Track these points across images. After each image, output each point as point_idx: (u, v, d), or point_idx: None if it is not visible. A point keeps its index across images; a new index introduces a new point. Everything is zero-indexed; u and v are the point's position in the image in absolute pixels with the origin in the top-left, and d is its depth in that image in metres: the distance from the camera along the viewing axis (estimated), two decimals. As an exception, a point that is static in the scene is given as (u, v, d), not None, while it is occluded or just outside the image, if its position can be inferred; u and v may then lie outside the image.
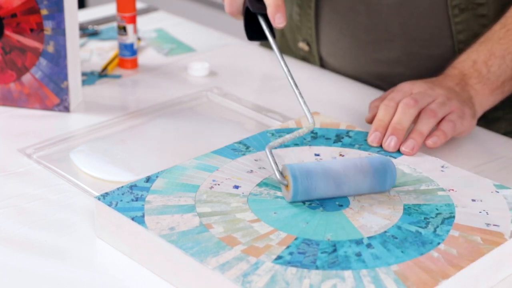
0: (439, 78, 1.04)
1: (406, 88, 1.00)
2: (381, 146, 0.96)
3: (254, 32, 1.02)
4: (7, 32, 1.09)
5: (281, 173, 0.84)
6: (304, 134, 0.92)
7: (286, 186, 0.84)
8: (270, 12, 0.97)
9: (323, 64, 1.29)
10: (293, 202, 0.84)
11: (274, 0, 0.97)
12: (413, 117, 0.96)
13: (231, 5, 1.02)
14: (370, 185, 0.84)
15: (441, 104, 0.97)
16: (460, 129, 0.99)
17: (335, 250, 0.76)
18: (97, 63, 1.27)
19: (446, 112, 0.98)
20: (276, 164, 0.85)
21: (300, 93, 0.93)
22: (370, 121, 1.00)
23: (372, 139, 0.96)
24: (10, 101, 1.12)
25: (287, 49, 1.34)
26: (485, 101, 1.04)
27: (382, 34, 1.18)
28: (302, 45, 1.29)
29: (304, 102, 0.92)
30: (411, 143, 0.94)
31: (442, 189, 0.87)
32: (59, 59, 1.09)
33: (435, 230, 0.79)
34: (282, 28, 1.00)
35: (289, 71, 0.94)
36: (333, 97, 1.17)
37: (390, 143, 0.95)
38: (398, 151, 0.95)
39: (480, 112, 1.04)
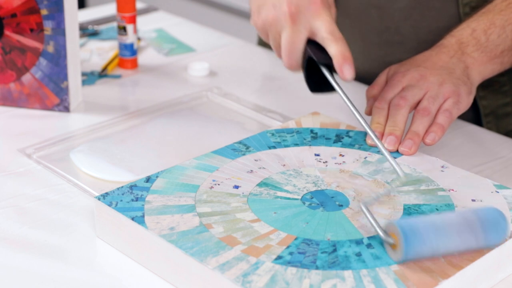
0: (433, 53, 1.03)
1: (396, 82, 1.00)
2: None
3: (317, 84, 0.96)
4: (7, 32, 1.09)
5: (385, 231, 0.77)
6: (398, 187, 0.86)
7: (393, 245, 0.75)
8: (337, 63, 0.92)
9: None
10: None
11: (341, 51, 0.92)
12: (406, 115, 0.96)
13: (290, 58, 0.95)
14: (479, 241, 0.76)
15: (433, 97, 0.97)
16: (457, 113, 0.98)
17: (335, 250, 0.76)
18: (97, 63, 1.27)
19: (440, 103, 0.97)
20: (376, 221, 0.78)
21: (385, 148, 0.88)
22: (369, 113, 1.01)
23: (372, 139, 0.96)
24: (10, 101, 1.12)
25: None
26: (483, 69, 1.03)
27: (394, 37, 1.18)
28: None
29: (389, 154, 0.87)
30: (408, 143, 0.94)
31: (442, 189, 0.87)
32: (59, 59, 1.09)
33: (435, 230, 0.79)
34: (349, 81, 0.93)
35: (368, 125, 0.90)
36: (333, 97, 1.17)
37: (390, 142, 0.95)
38: (397, 151, 0.95)
39: (478, 81, 1.02)
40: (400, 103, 0.96)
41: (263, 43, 1.38)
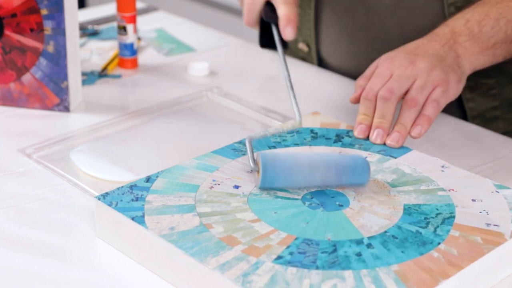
0: (425, 41, 1.02)
1: (385, 69, 0.99)
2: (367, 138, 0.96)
3: (267, 41, 1.09)
4: (7, 32, 1.09)
5: (255, 161, 0.88)
6: (288, 130, 0.96)
7: (258, 172, 0.86)
8: (281, 24, 1.03)
9: (321, 65, 1.29)
10: (263, 188, 0.85)
11: (287, 13, 1.03)
12: (393, 108, 0.96)
13: (249, 16, 1.09)
14: (339, 172, 0.86)
15: (422, 87, 0.96)
16: (445, 102, 0.98)
17: (335, 250, 0.76)
18: (97, 63, 1.27)
19: (428, 92, 0.96)
20: (252, 153, 0.89)
21: (294, 95, 0.98)
22: (354, 101, 1.00)
23: (359, 131, 0.96)
24: (10, 101, 1.12)
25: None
26: (475, 59, 1.02)
27: (380, 34, 1.18)
28: (302, 46, 1.28)
29: (295, 99, 0.97)
30: (396, 136, 0.95)
31: (442, 189, 0.87)
32: (59, 59, 1.09)
33: (435, 230, 0.79)
34: (291, 40, 1.04)
35: (289, 77, 0.99)
36: (333, 97, 1.17)
37: (377, 136, 0.95)
38: (397, 152, 0.95)
39: (469, 70, 1.02)
40: (387, 96, 0.96)
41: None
